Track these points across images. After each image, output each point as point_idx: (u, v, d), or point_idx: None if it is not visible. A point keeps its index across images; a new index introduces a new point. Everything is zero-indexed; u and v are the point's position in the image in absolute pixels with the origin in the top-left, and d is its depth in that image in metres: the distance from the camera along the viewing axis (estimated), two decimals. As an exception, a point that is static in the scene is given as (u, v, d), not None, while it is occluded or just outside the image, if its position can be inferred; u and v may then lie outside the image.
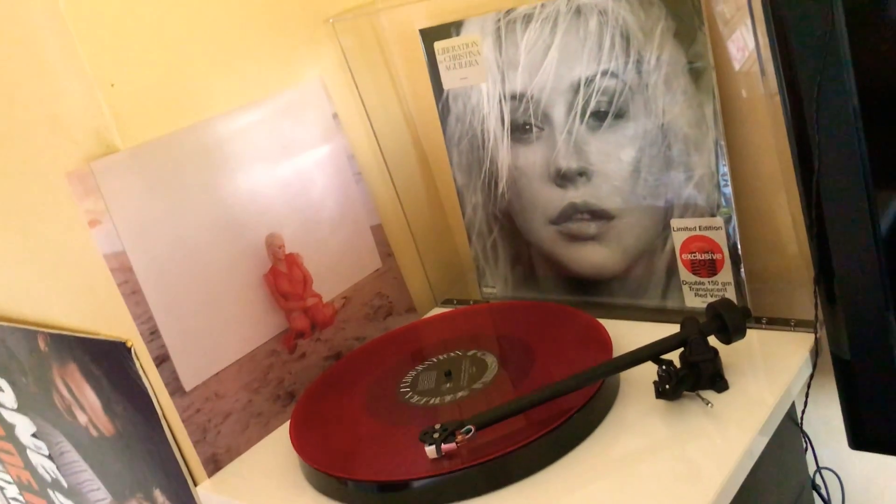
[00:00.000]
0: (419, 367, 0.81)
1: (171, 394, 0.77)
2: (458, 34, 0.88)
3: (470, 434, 0.66)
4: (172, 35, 0.80)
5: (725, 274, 0.78)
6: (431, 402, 0.75)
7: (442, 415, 0.72)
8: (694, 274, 0.80)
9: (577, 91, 0.81)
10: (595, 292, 0.88)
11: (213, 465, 0.78)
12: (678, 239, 0.80)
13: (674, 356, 0.69)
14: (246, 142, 0.84)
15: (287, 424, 0.83)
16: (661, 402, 0.70)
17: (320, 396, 0.82)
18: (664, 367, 0.68)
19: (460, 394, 0.75)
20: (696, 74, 0.74)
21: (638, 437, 0.67)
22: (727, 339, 0.70)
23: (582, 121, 0.82)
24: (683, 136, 0.76)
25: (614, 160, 0.81)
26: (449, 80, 0.90)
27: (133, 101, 0.76)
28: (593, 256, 0.86)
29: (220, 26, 0.84)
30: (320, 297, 0.89)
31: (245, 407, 0.81)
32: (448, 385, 0.77)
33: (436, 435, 0.66)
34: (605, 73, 0.79)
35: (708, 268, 0.79)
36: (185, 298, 0.78)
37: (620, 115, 0.79)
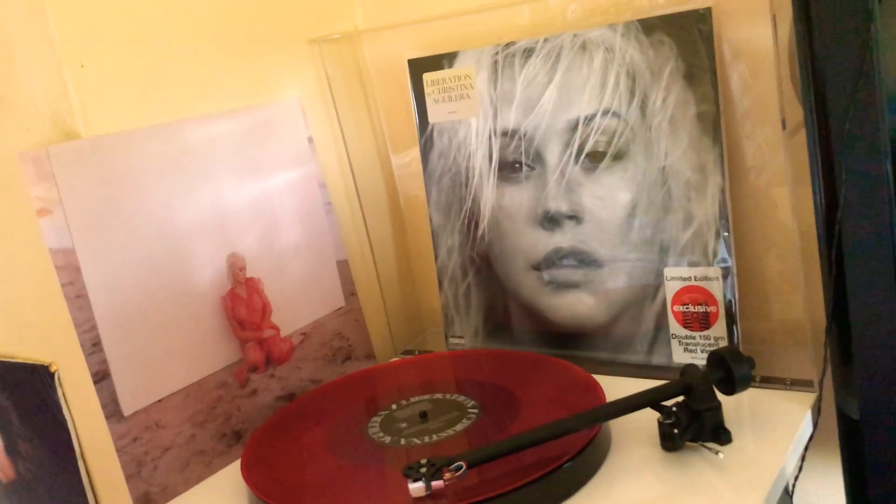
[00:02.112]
0: (390, 407, 0.74)
1: (108, 417, 0.67)
2: (450, 66, 0.84)
3: (460, 472, 0.58)
4: (153, 26, 0.74)
5: (719, 328, 0.75)
6: (406, 442, 0.67)
7: (419, 456, 0.65)
8: (685, 327, 0.76)
9: (574, 129, 0.78)
10: (575, 346, 0.82)
11: (146, 504, 0.68)
12: (671, 289, 0.76)
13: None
14: (215, 152, 0.78)
15: (232, 467, 0.74)
16: (657, 452, 0.65)
17: (276, 433, 0.74)
18: (671, 413, 0.63)
19: (438, 435, 0.68)
20: (703, 117, 0.72)
21: (636, 490, 0.61)
22: (730, 390, 0.66)
23: (577, 161, 0.78)
24: (685, 180, 0.74)
25: (608, 203, 0.78)
26: (436, 114, 0.86)
27: (102, 86, 0.69)
28: (577, 306, 0.81)
29: (203, 29, 0.78)
30: (278, 330, 0.81)
31: (188, 442, 0.72)
32: (424, 426, 0.70)
33: (423, 470, 0.58)
34: (606, 112, 0.76)
35: (701, 321, 0.75)
36: (134, 310, 0.69)
37: (619, 157, 0.76)
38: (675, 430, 0.62)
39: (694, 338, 0.76)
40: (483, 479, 0.60)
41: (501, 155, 0.83)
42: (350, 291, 0.89)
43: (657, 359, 0.78)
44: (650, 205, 0.76)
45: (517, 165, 0.82)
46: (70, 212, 0.66)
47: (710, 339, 0.75)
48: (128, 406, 0.68)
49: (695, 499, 0.58)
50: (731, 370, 0.65)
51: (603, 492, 0.61)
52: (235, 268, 0.78)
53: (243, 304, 0.78)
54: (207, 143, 0.77)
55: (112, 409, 0.67)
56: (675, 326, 0.77)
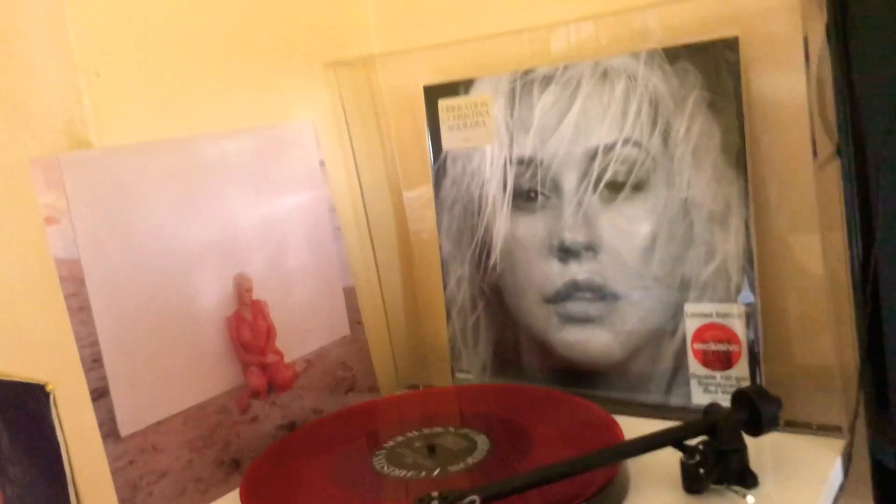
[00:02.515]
0: (396, 440, 0.71)
1: (104, 437, 0.64)
2: (466, 93, 0.83)
3: (474, 505, 0.55)
4: (172, 39, 0.72)
5: (741, 368, 0.72)
6: (413, 475, 0.64)
7: (428, 489, 0.62)
8: (705, 366, 0.74)
9: (593, 159, 0.76)
10: (588, 384, 0.80)
11: (138, 533, 0.65)
12: (691, 326, 0.74)
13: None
14: (227, 170, 0.76)
15: (229, 497, 0.70)
16: (679, 495, 0.62)
17: (277, 462, 0.70)
18: (696, 452, 0.60)
19: (448, 469, 0.65)
20: (727, 148, 0.70)
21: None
22: (757, 431, 0.63)
23: (595, 191, 0.77)
24: (708, 213, 0.72)
25: (627, 235, 0.76)
26: (450, 141, 0.85)
27: (116, 96, 0.67)
28: (592, 342, 0.79)
29: (220, 46, 0.77)
30: (282, 356, 0.78)
31: (185, 468, 0.68)
32: (432, 460, 0.66)
33: (434, 503, 0.55)
34: (626, 142, 0.75)
35: (722, 360, 0.73)
36: (137, 326, 0.67)
37: (639, 187, 0.75)
38: (702, 471, 0.59)
39: (714, 378, 0.74)
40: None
41: (516, 183, 0.81)
42: (356, 320, 0.86)
43: (675, 399, 0.76)
44: (671, 238, 0.74)
45: (532, 194, 0.80)
46: (77, 221, 0.64)
47: (731, 380, 0.73)
48: (125, 426, 0.65)
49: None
50: (757, 410, 0.63)
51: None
52: (242, 289, 0.75)
53: (248, 327, 0.75)
54: (219, 161, 0.75)
55: (109, 429, 0.64)
56: (694, 365, 0.74)
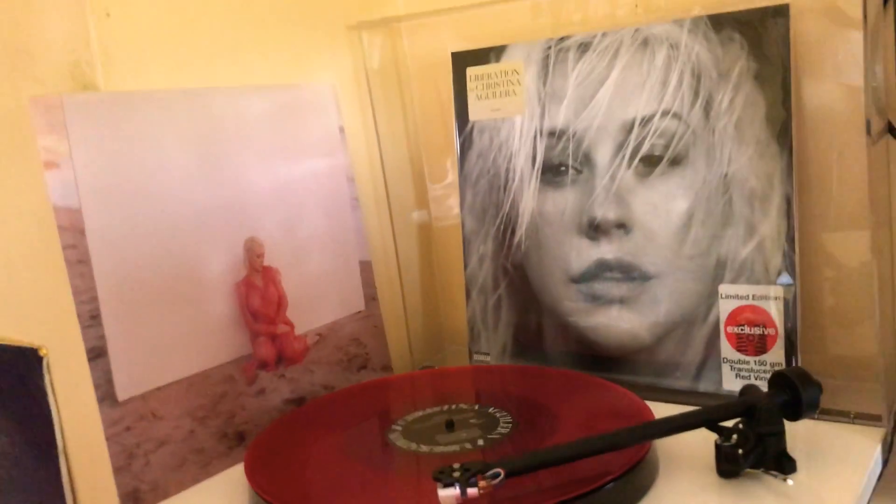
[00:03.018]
0: (412, 416, 0.67)
1: (100, 400, 0.60)
2: (497, 60, 0.79)
3: (497, 479, 0.51)
4: (188, -16, 0.69)
5: (776, 353, 0.68)
6: (430, 450, 0.60)
7: (447, 464, 0.57)
8: (738, 351, 0.70)
9: (629, 131, 0.72)
10: (612, 368, 0.76)
11: (132, 503, 0.61)
12: (725, 308, 0.70)
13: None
14: (242, 127, 0.72)
15: (231, 471, 0.66)
16: (712, 478, 0.57)
17: (286, 434, 0.66)
18: (734, 434, 0.56)
19: (468, 445, 0.60)
20: (773, 122, 0.66)
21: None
22: (795, 415, 0.59)
23: (630, 165, 0.73)
24: (749, 189, 0.68)
25: (661, 212, 0.72)
26: (478, 111, 0.81)
27: (127, 39, 0.64)
28: (619, 323, 0.75)
29: (239, -2, 0.73)
30: (292, 327, 0.74)
31: (185, 438, 0.64)
32: (452, 435, 0.62)
33: (456, 475, 0.51)
34: (665, 113, 0.71)
35: (756, 344, 0.69)
36: (140, 285, 0.63)
37: (677, 162, 0.71)
38: (741, 451, 0.55)
39: (748, 363, 0.69)
40: (515, 493, 0.53)
41: (546, 156, 0.77)
42: (371, 295, 0.82)
43: (705, 385, 0.71)
44: (708, 215, 0.70)
45: (563, 168, 0.76)
46: (80, 168, 0.60)
47: (765, 366, 0.69)
48: (123, 390, 0.61)
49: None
50: (798, 393, 0.58)
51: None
52: (253, 253, 0.71)
53: (258, 294, 0.71)
54: (234, 117, 0.71)
55: (105, 392, 0.60)
56: (727, 349, 0.70)
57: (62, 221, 0.59)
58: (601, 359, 0.76)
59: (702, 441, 0.62)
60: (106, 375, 0.60)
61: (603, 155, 0.74)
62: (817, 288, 0.70)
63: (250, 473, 0.59)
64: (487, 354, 0.83)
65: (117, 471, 0.60)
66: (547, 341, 0.80)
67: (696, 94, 0.69)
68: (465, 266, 0.84)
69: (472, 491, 0.50)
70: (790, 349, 0.67)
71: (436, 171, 0.89)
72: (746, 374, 0.69)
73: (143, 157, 0.64)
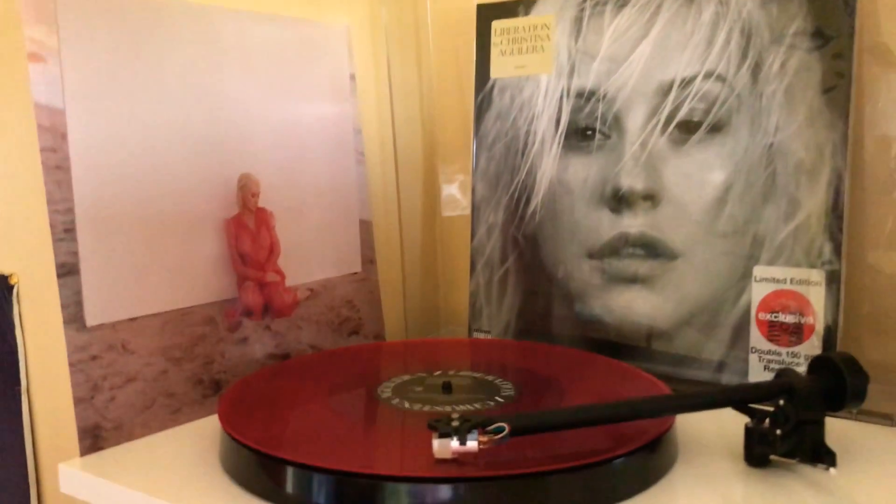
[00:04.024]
0: (405, 377, 0.61)
1: (66, 322, 0.53)
2: (526, 13, 0.74)
3: (501, 435, 0.45)
4: None
5: (812, 345, 0.62)
6: (424, 408, 0.54)
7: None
8: (770, 340, 0.64)
9: (666, 94, 0.67)
10: (626, 355, 0.69)
11: (92, 440, 0.54)
12: (759, 292, 0.64)
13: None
14: (247, 55, 0.66)
15: (204, 422, 0.60)
16: (739, 467, 0.51)
17: (267, 383, 0.60)
18: (769, 417, 0.50)
19: (466, 406, 0.54)
20: (829, 88, 0.61)
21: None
22: (838, 405, 0.53)
23: (664, 131, 0.67)
24: (796, 162, 0.62)
25: (695, 184, 0.66)
26: (501, 68, 0.76)
27: (134, -63, 0.58)
28: (637, 305, 0.69)
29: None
30: (283, 277, 0.68)
31: (157, 377, 0.58)
32: (447, 397, 0.56)
33: (455, 423, 0.45)
34: (709, 75, 0.65)
35: (791, 334, 0.63)
36: (121, 203, 0.57)
37: (717, 129, 0.65)
38: (779, 431, 0.49)
39: (779, 354, 0.63)
40: (514, 455, 0.46)
41: (572, 119, 0.72)
42: (369, 258, 0.76)
43: (728, 377, 0.65)
44: (748, 188, 0.64)
45: (589, 133, 0.71)
46: (68, 66, 0.54)
47: (798, 358, 0.63)
48: (93, 315, 0.55)
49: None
50: (843, 380, 0.52)
51: (665, 502, 0.47)
52: (247, 191, 0.65)
53: (249, 236, 0.65)
54: (239, 42, 0.66)
55: (73, 314, 0.54)
56: (756, 338, 0.64)
57: (42, 121, 0.53)
58: (614, 344, 0.70)
59: (728, 425, 0.56)
60: (75, 296, 0.54)
61: (635, 119, 0.68)
62: (861, 272, 0.65)
63: (225, 415, 0.52)
64: (489, 333, 0.77)
65: (79, 402, 0.53)
66: (555, 322, 0.73)
67: (744, 55, 0.64)
68: (472, 236, 0.78)
69: (470, 443, 0.44)
70: (829, 341, 0.61)
71: (450, 130, 0.83)
72: (776, 366, 0.63)
73: (137, 68, 0.58)
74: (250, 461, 0.48)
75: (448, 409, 0.53)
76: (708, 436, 0.56)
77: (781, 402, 0.49)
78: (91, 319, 0.54)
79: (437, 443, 0.44)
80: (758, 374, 0.64)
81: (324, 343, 0.71)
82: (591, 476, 0.45)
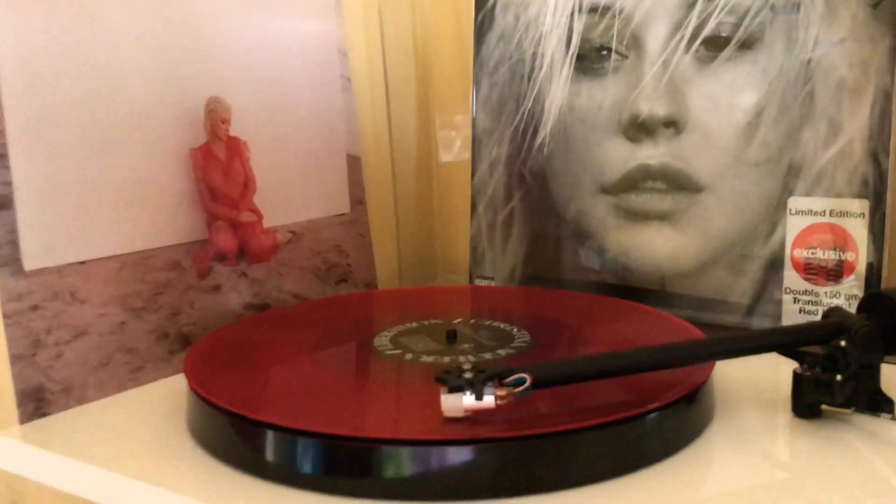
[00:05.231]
0: (404, 326, 0.53)
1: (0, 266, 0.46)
2: (531, -79, 0.66)
3: (522, 387, 0.38)
4: None
5: (854, 284, 0.55)
6: (429, 360, 0.47)
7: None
8: (807, 280, 0.57)
9: (691, 6, 0.59)
10: (645, 299, 0.62)
11: (34, 405, 0.46)
12: (795, 226, 0.57)
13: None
14: (216, -35, 0.58)
15: (169, 382, 0.52)
16: (785, 420, 0.44)
17: (243, 335, 0.53)
18: (823, 360, 0.43)
19: (475, 357, 0.47)
20: (878, -7, 0.54)
21: (764, 469, 0.40)
22: (894, 347, 0.46)
23: (688, 49, 0.60)
24: (838, 80, 0.55)
25: (724, 107, 0.59)
26: (502, -17, 0.68)
27: None
28: (659, 244, 0.62)
29: None
30: (260, 217, 0.60)
31: (114, 331, 0.50)
32: (453, 346, 0.49)
33: (468, 375, 0.38)
34: (739, -17, 0.58)
35: (830, 272, 0.56)
36: (66, 126, 0.49)
37: (748, 45, 0.58)
38: (839, 378, 0.42)
39: (817, 295, 0.57)
40: (531, 411, 0.39)
41: (585, 38, 0.64)
42: (358, 198, 0.69)
43: (758, 321, 0.58)
44: (783, 111, 0.57)
45: (604, 53, 0.63)
46: (-3, -38, 0.46)
47: (838, 299, 0.56)
48: (32, 257, 0.47)
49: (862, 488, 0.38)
50: (904, 320, 0.46)
51: (704, 462, 0.40)
52: (217, 117, 0.57)
53: (219, 168, 0.57)
54: (206, -52, 0.57)
55: (7, 256, 0.46)
56: (791, 278, 0.57)
57: (-34, 26, 0.45)
58: (632, 288, 0.63)
59: (760, 374, 0.49)
60: (10, 235, 0.46)
61: (656, 36, 0.61)
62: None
63: (193, 373, 0.45)
64: (492, 279, 0.70)
65: (16, 360, 0.46)
66: (566, 265, 0.66)
67: (780, -42, 0.56)
68: (473, 173, 0.70)
69: (487, 398, 0.37)
70: (872, 278, 0.55)
71: (446, 52, 0.75)
72: (814, 308, 0.57)
73: (84, -30, 0.50)
74: (224, 425, 0.40)
75: (453, 360, 0.46)
76: (740, 387, 0.49)
77: (843, 342, 0.42)
78: (30, 262, 0.47)
79: (446, 398, 0.37)
80: (792, 317, 0.57)
81: (308, 292, 0.64)
82: (630, 431, 0.39)
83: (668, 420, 0.40)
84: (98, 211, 0.50)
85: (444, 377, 0.37)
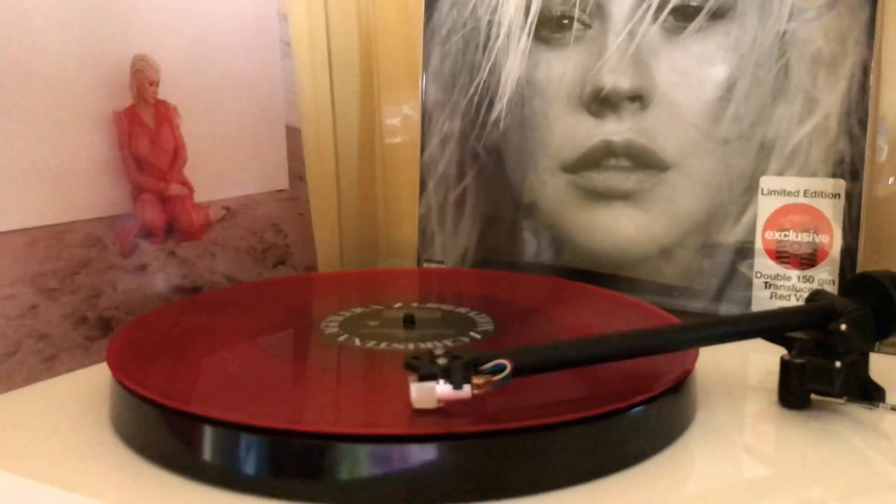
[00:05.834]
0: (354, 310, 0.48)
1: None
2: None
3: (501, 375, 0.33)
4: None
5: (828, 268, 0.53)
6: (386, 346, 0.42)
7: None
8: (779, 263, 0.54)
9: (659, -28, 0.56)
10: (607, 284, 0.59)
11: (-71, 398, 0.40)
12: (766, 207, 0.54)
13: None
14: None
15: (88, 372, 0.46)
16: (771, 412, 0.41)
17: (171, 323, 0.47)
18: (815, 348, 0.40)
19: (437, 343, 0.43)
20: (857, -38, 0.51)
21: (754, 464, 0.37)
22: (886, 331, 0.44)
23: (656, 18, 0.56)
24: (813, 52, 0.52)
25: (693, 81, 0.55)
26: (456, -55, 0.63)
27: None
28: (621, 226, 0.58)
29: None
30: (191, 191, 0.55)
31: (23, 315, 0.44)
32: (411, 333, 0.44)
33: (441, 361, 0.33)
34: (711, -51, 0.54)
35: (803, 256, 0.53)
36: (-31, 78, 0.42)
37: (720, 15, 0.55)
38: (837, 365, 0.39)
39: (789, 279, 0.54)
40: (507, 403, 0.35)
41: (545, 6, 0.60)
42: (298, 174, 0.63)
43: (727, 308, 0.56)
44: (756, 85, 0.54)
45: (565, 22, 0.59)
46: None
47: (811, 283, 0.53)
48: (-73, 227, 0.41)
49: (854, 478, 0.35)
50: (890, 302, 0.43)
51: (687, 459, 0.37)
52: (143, 77, 0.51)
53: (146, 135, 0.51)
54: None
55: None
56: (762, 262, 0.55)
57: None
58: (592, 273, 0.60)
59: (726, 362, 0.46)
60: None
61: (621, 4, 0.57)
62: (885, 185, 0.56)
63: (117, 362, 0.39)
64: (442, 262, 0.65)
65: None
66: (522, 248, 0.62)
67: (755, -77, 0.53)
68: (423, 149, 0.66)
69: (464, 387, 0.33)
70: (847, 262, 0.52)
71: (392, 18, 0.70)
72: (786, 293, 0.54)
73: None
74: (152, 420, 0.35)
75: (414, 346, 0.42)
76: (716, 376, 0.46)
77: (843, 326, 0.39)
78: (-73, 233, 0.40)
79: (416, 388, 0.32)
80: (763, 303, 0.54)
81: (243, 274, 0.58)
82: (609, 427, 0.35)
83: (661, 408, 0.37)
84: (7, 178, 0.44)
85: (415, 363, 0.33)
